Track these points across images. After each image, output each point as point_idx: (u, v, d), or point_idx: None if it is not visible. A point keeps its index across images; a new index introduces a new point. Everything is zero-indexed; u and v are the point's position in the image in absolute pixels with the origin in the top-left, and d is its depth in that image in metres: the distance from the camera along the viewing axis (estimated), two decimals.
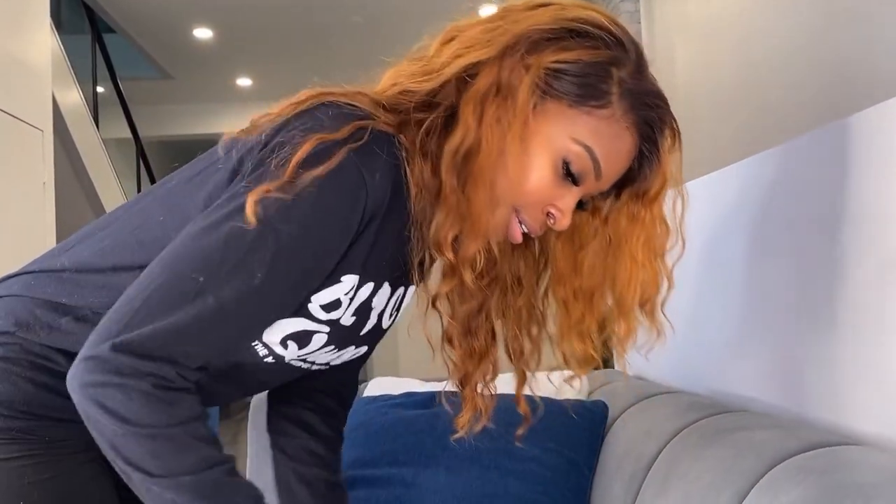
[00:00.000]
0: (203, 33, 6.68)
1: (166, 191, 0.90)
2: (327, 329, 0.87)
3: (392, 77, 0.86)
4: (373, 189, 0.79)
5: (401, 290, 0.94)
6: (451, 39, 0.86)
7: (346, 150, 0.77)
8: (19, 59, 4.22)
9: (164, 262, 0.77)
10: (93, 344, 0.74)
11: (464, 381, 0.98)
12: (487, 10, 0.93)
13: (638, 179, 0.92)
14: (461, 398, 0.99)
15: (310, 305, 0.84)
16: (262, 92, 8.15)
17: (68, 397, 0.76)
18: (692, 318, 1.60)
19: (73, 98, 5.56)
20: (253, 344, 0.86)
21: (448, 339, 0.95)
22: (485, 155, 0.82)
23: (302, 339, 0.87)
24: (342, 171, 0.76)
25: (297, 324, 0.85)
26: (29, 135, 4.40)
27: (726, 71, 2.76)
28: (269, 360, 0.89)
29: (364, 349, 0.98)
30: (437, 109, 0.84)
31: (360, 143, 0.77)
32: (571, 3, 0.85)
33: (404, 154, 0.82)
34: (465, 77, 0.83)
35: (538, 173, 0.84)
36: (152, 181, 7.18)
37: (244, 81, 8.15)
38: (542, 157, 0.84)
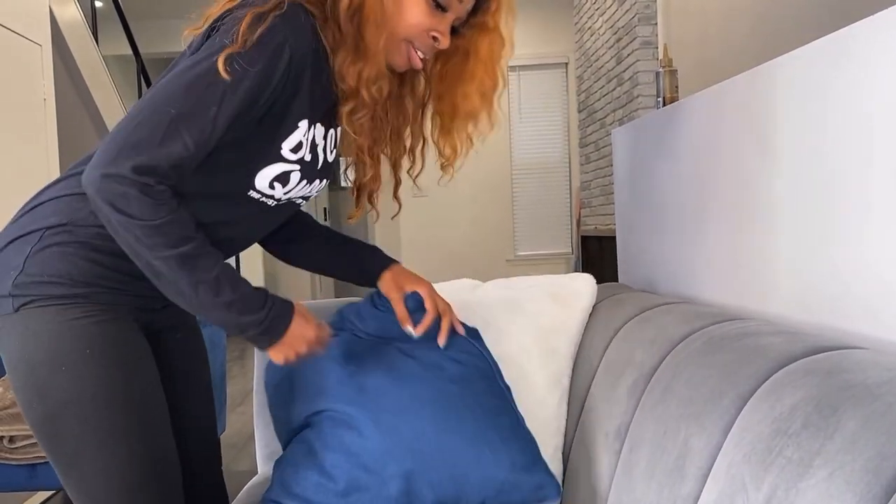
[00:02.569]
0: None
1: (159, 88, 1.09)
2: (298, 167, 1.17)
3: None
4: (295, 43, 1.07)
5: (332, 130, 1.22)
6: None
7: (273, 16, 1.05)
8: None
9: (146, 100, 1.05)
10: (99, 163, 1.02)
11: (361, 189, 1.34)
12: None
13: (481, 7, 1.22)
14: (355, 202, 1.35)
15: (282, 151, 1.14)
16: None
17: (112, 269, 1.13)
18: (699, 232, 1.59)
19: (70, 12, 5.44)
20: (249, 193, 1.16)
21: (361, 156, 1.27)
22: (369, 5, 1.12)
23: (283, 179, 1.16)
24: (271, 31, 1.05)
25: (277, 168, 1.15)
26: (27, 50, 4.32)
27: None
28: (269, 202, 1.19)
29: (324, 182, 1.26)
30: None
31: (283, 10, 1.06)
32: None
33: (314, 18, 1.10)
34: None
35: (415, 9, 1.16)
36: None
37: None
38: None
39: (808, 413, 0.77)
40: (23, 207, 1.19)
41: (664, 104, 2.07)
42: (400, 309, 1.40)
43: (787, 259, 1.25)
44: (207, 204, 1.15)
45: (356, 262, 1.47)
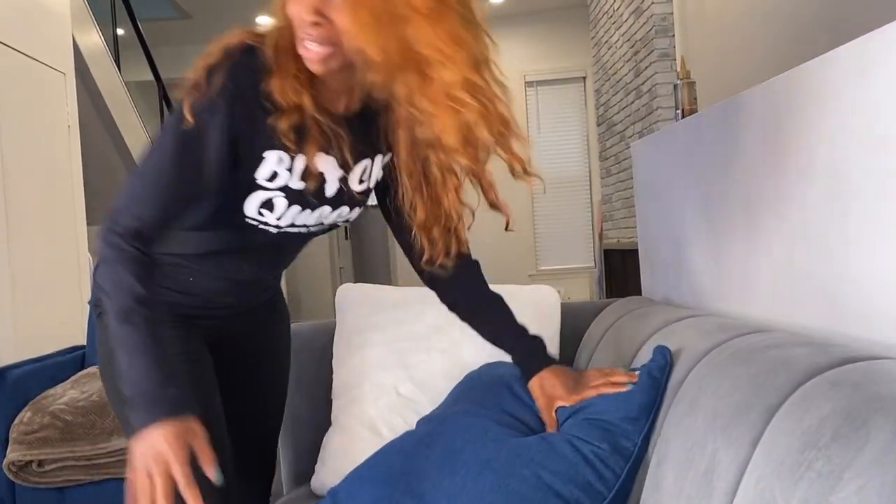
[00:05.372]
0: None
1: None
2: (283, 194, 1.22)
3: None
4: (237, 89, 1.13)
5: (364, 161, 1.28)
6: None
7: (222, 67, 1.13)
8: (38, 1, 4.19)
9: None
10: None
11: (427, 229, 1.31)
12: None
13: None
14: (425, 243, 1.32)
15: (257, 181, 1.20)
16: None
17: (163, 287, 1.27)
18: (721, 243, 1.58)
19: (93, 41, 5.53)
20: (246, 220, 1.24)
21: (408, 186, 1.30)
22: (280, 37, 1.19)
23: (268, 204, 1.22)
24: (221, 80, 1.13)
25: (259, 195, 1.22)
26: (52, 78, 4.39)
27: None
28: (270, 229, 1.26)
29: (354, 208, 1.33)
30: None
31: (231, 60, 1.15)
32: None
33: (271, 55, 1.16)
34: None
35: (293, 9, 1.14)
36: None
37: (264, 19, 8.06)
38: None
39: (837, 425, 0.76)
40: None
41: (683, 116, 2.07)
42: (549, 418, 1.35)
43: (812, 269, 1.24)
44: (212, 234, 1.29)
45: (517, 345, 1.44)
